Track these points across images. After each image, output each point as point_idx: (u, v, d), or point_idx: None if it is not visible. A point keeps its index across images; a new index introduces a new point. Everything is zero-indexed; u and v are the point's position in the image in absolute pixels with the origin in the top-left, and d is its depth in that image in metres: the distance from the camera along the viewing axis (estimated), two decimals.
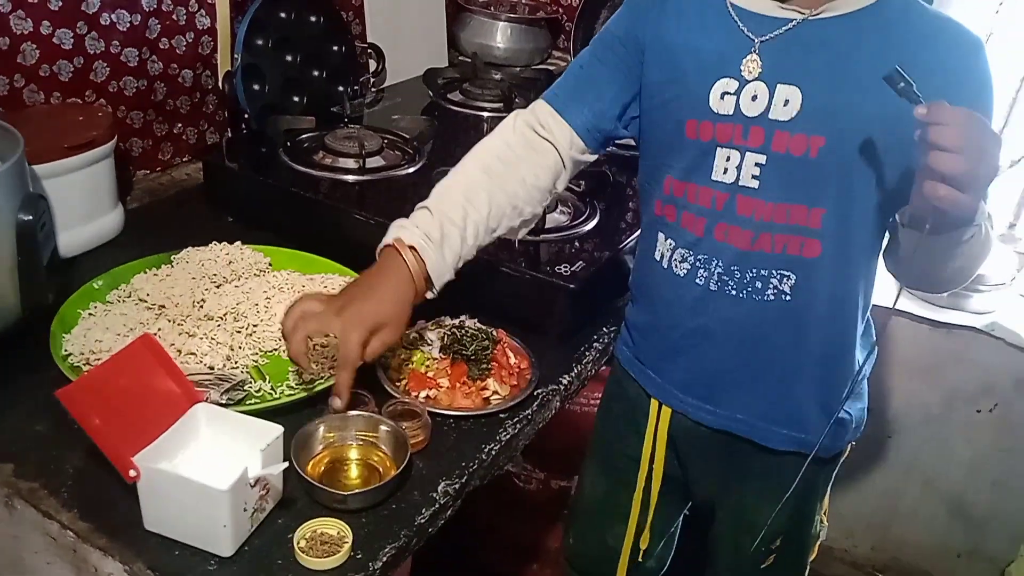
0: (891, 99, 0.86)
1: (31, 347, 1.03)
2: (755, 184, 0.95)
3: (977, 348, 1.81)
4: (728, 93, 0.94)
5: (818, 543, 1.20)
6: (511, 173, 1.04)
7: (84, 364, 1.02)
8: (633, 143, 1.10)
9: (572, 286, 1.17)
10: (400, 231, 0.99)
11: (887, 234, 1.00)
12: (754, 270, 0.98)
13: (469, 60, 2.01)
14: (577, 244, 1.28)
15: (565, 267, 1.20)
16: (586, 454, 1.30)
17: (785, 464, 1.07)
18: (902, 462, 1.97)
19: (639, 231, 1.14)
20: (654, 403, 1.12)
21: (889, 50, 0.89)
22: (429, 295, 0.99)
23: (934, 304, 1.83)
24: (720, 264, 0.99)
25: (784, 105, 0.92)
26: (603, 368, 1.51)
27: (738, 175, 0.95)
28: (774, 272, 0.97)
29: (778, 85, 0.92)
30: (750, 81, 0.93)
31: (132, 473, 0.81)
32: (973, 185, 0.78)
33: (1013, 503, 1.88)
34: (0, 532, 0.92)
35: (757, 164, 0.94)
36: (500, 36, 2.13)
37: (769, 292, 0.98)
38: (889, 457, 1.96)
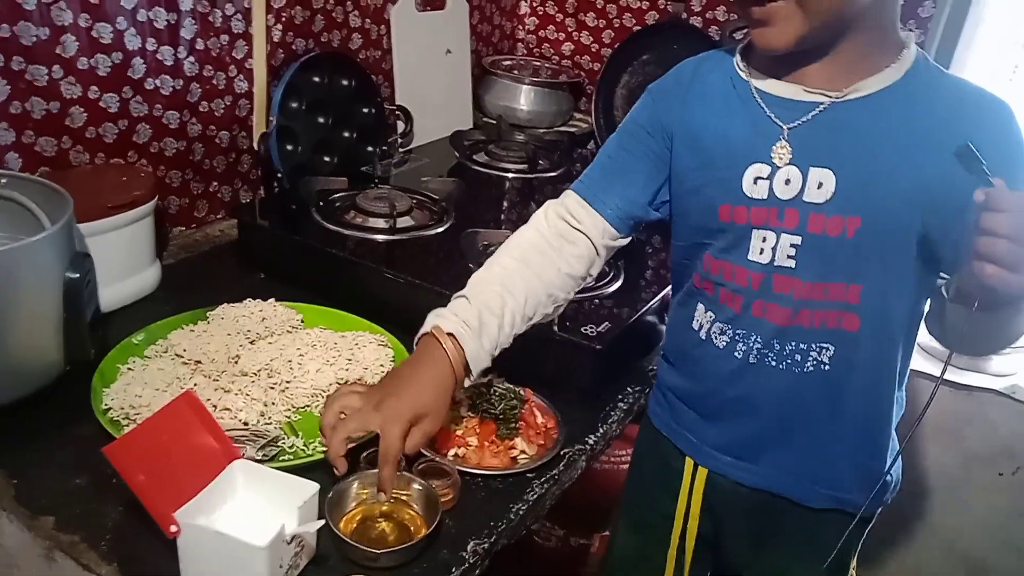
0: (926, 174, 0.89)
1: (72, 401, 1.06)
2: (791, 264, 0.95)
3: (998, 410, 1.81)
4: (761, 178, 0.95)
5: None
6: (546, 263, 1.06)
7: (123, 418, 1.04)
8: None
9: (598, 347, 1.20)
10: (438, 319, 1.00)
11: (928, 301, 1.00)
12: (793, 343, 0.98)
13: (494, 122, 2.07)
14: (602, 304, 1.31)
15: (591, 328, 1.23)
16: (618, 513, 1.31)
17: (821, 523, 1.08)
18: (924, 525, 1.96)
19: (665, 293, 1.16)
20: (689, 462, 1.12)
21: (917, 126, 0.90)
22: (467, 383, 1.01)
23: (955, 366, 1.83)
24: (759, 339, 0.99)
25: (818, 188, 0.92)
26: (627, 426, 1.53)
27: (774, 256, 0.96)
28: (813, 345, 0.98)
29: (811, 168, 0.92)
30: (781, 167, 0.94)
31: (173, 528, 0.83)
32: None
33: None
34: None
35: (793, 245, 0.95)
36: (524, 99, 2.19)
37: (809, 364, 0.99)
38: (911, 521, 1.95)
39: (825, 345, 0.97)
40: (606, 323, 1.24)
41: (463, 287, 1.04)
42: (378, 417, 0.92)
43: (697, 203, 1.01)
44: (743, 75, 0.98)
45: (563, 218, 1.08)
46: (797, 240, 0.94)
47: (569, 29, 2.36)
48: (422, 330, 1.01)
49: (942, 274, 0.97)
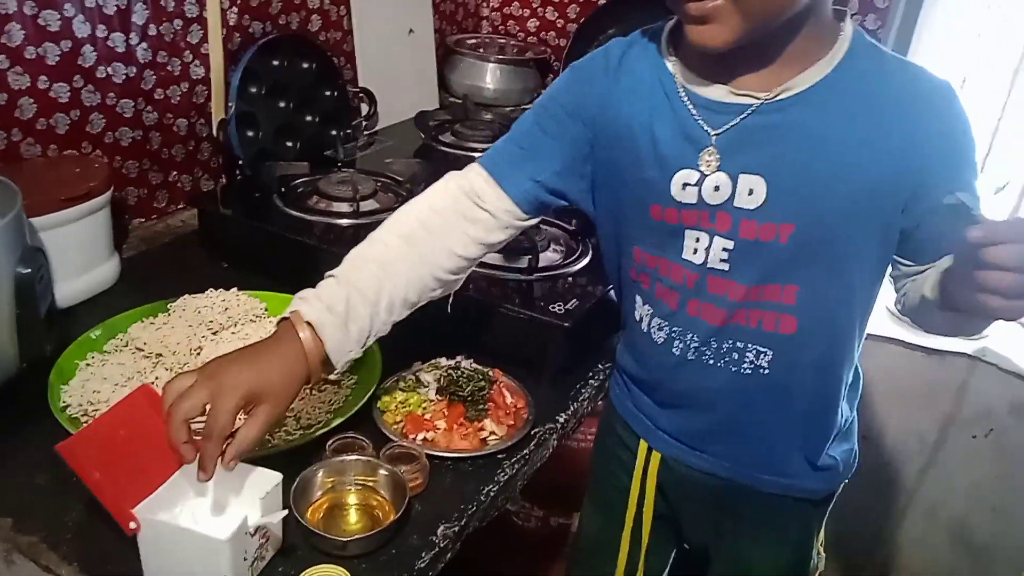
0: (868, 174, 0.85)
1: (29, 399, 1.03)
2: (725, 266, 0.92)
3: (970, 374, 1.82)
4: (689, 184, 0.90)
5: (817, 574, 1.20)
6: (437, 243, 0.98)
7: (82, 415, 1.02)
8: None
9: (566, 324, 1.18)
10: (301, 303, 0.91)
11: (897, 286, 0.97)
12: (730, 342, 0.95)
13: (460, 101, 2.04)
14: (570, 282, 1.30)
15: (559, 305, 1.21)
16: (586, 490, 1.30)
17: (778, 508, 1.07)
18: (902, 491, 1.97)
19: (611, 282, 1.12)
20: (643, 444, 1.11)
21: (856, 122, 0.85)
22: (331, 376, 0.92)
23: (925, 330, 1.84)
24: (696, 337, 0.96)
25: (749, 194, 0.88)
26: (599, 404, 1.52)
27: (707, 257, 0.92)
28: (750, 346, 0.95)
29: (740, 175, 0.88)
30: (709, 174, 0.89)
31: (132, 525, 0.81)
32: None
33: (1014, 528, 1.88)
34: None
35: (725, 249, 0.91)
36: (490, 77, 2.17)
37: (745, 366, 0.96)
38: (889, 486, 1.96)
39: (763, 349, 0.94)
40: (574, 300, 1.23)
41: None
42: (207, 389, 0.82)
43: (627, 199, 0.97)
44: (669, 66, 0.91)
45: (467, 194, 1.00)
46: (730, 244, 0.90)
47: (534, 5, 2.33)
48: (284, 313, 0.92)
49: (903, 263, 0.94)
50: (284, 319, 0.91)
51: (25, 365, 1.07)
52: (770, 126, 0.87)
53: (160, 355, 1.14)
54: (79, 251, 1.28)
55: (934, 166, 0.86)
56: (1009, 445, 1.83)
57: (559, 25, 2.31)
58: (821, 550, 1.18)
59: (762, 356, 0.95)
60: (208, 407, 0.82)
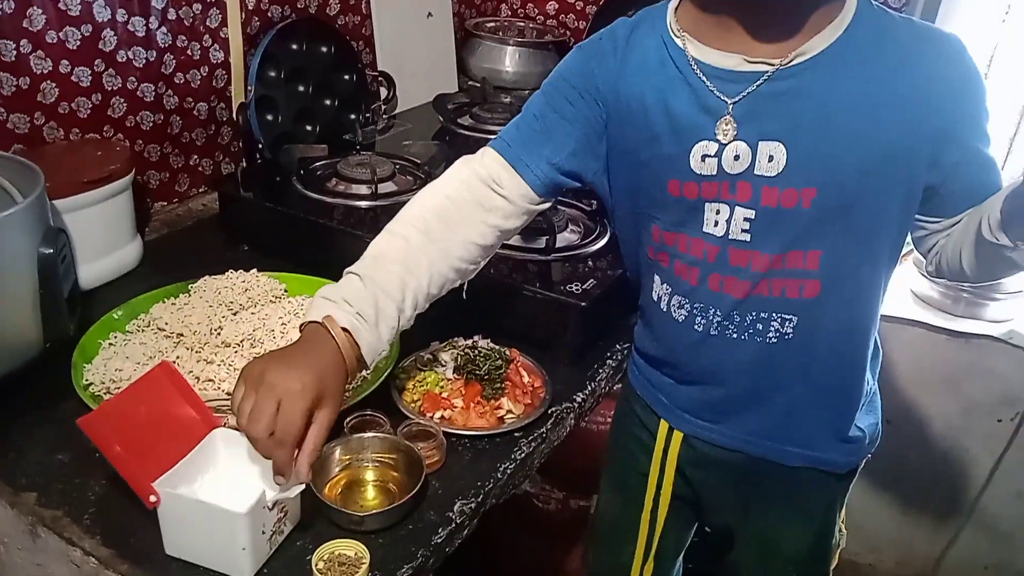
0: (886, 133, 0.86)
1: (53, 378, 1.05)
2: (747, 237, 0.91)
3: (996, 357, 1.79)
4: (708, 155, 0.90)
5: (839, 551, 1.20)
6: (455, 235, 0.97)
7: (105, 393, 1.04)
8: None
9: (583, 304, 1.18)
10: (331, 308, 0.90)
11: (926, 247, 0.99)
12: (753, 313, 0.95)
13: (479, 85, 2.04)
14: (588, 263, 1.30)
15: (576, 285, 1.21)
16: (602, 472, 1.30)
17: (803, 483, 1.07)
18: (925, 474, 1.95)
19: (625, 264, 1.12)
20: (663, 424, 1.11)
21: (870, 81, 0.86)
22: (361, 374, 0.93)
23: (951, 313, 1.82)
24: (718, 312, 0.96)
25: (769, 161, 0.88)
26: (617, 386, 1.52)
27: (728, 228, 0.92)
28: (774, 315, 0.95)
29: (759, 143, 0.88)
30: (728, 143, 0.89)
31: (152, 499, 0.82)
32: None
33: None
34: (24, 560, 0.93)
35: (747, 219, 0.91)
36: (509, 60, 2.16)
37: (771, 335, 0.96)
38: (912, 470, 1.94)
39: (787, 316, 0.94)
40: (592, 280, 1.23)
41: None
42: (273, 398, 0.81)
43: (644, 177, 0.96)
44: (678, 42, 0.91)
45: (483, 180, 0.99)
46: (751, 214, 0.90)
47: None
48: (310, 315, 0.90)
49: (929, 221, 0.95)
50: (314, 323, 0.90)
51: (49, 344, 1.09)
52: (786, 92, 0.87)
53: (181, 335, 1.15)
54: (102, 233, 1.30)
55: (952, 116, 0.88)
56: None
57: (578, 8, 2.29)
58: (843, 527, 1.18)
59: (787, 323, 0.95)
60: (279, 414, 0.81)
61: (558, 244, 1.31)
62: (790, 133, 0.87)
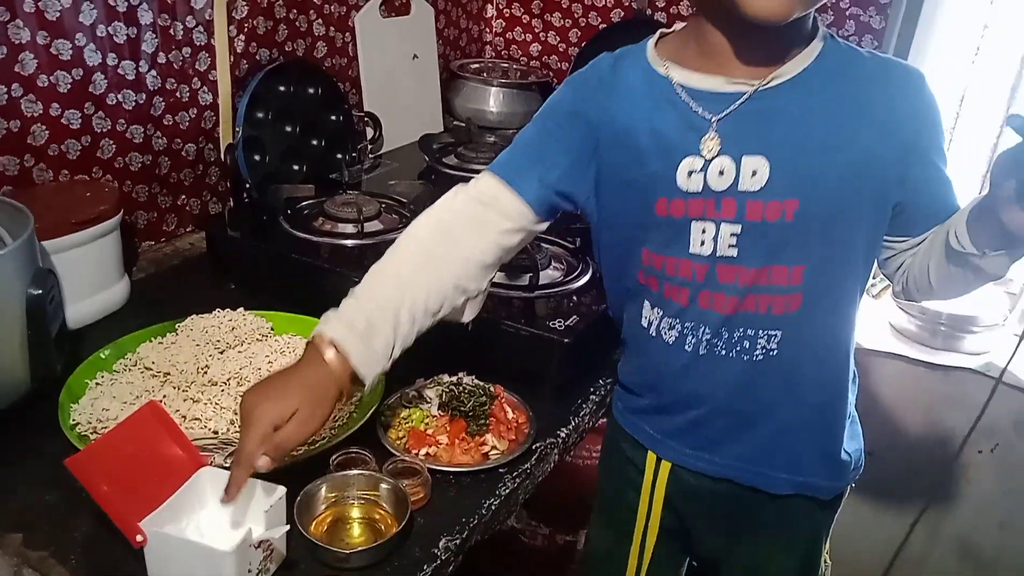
0: (859, 143, 0.92)
1: (40, 418, 1.06)
2: (733, 252, 0.95)
3: (974, 389, 1.82)
4: (694, 171, 0.93)
5: None
6: (452, 251, 0.99)
7: (92, 433, 1.04)
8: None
9: (567, 340, 1.20)
10: (321, 326, 0.94)
11: (893, 268, 1.04)
12: (741, 330, 0.98)
13: (463, 125, 2.07)
14: (572, 299, 1.32)
15: (560, 322, 1.23)
16: (593, 507, 1.31)
17: (790, 511, 1.08)
18: (907, 506, 1.97)
19: (608, 297, 1.14)
20: (651, 457, 1.12)
21: (842, 99, 0.92)
22: (360, 391, 0.96)
23: (929, 346, 1.85)
24: (707, 330, 0.99)
25: (752, 176, 0.92)
26: (601, 421, 1.53)
27: (715, 246, 0.95)
28: (760, 332, 0.97)
29: (743, 157, 0.92)
30: (712, 159, 0.93)
31: (139, 538, 0.83)
32: None
33: (1021, 543, 1.87)
34: None
35: (733, 234, 0.94)
36: (493, 101, 2.20)
37: (758, 352, 0.98)
38: (894, 502, 1.96)
39: (773, 332, 0.97)
40: (575, 317, 1.25)
41: None
42: (243, 416, 0.89)
43: (631, 198, 0.99)
44: (661, 71, 0.95)
45: (479, 201, 1.01)
46: (737, 229, 0.94)
47: (536, 30, 2.37)
48: (310, 337, 0.94)
49: (895, 241, 1.00)
50: (310, 342, 0.94)
51: (36, 384, 1.09)
52: (765, 110, 0.92)
53: (168, 374, 1.16)
54: (89, 273, 1.31)
55: (917, 133, 0.95)
56: (1015, 460, 1.83)
57: (561, 49, 2.34)
58: (828, 558, 1.19)
59: (772, 339, 0.98)
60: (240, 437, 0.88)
61: (541, 281, 1.33)
62: (771, 147, 0.92)
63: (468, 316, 1.06)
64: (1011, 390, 1.78)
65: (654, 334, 1.03)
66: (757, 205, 0.92)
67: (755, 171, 0.92)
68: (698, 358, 1.00)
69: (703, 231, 0.95)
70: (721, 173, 0.93)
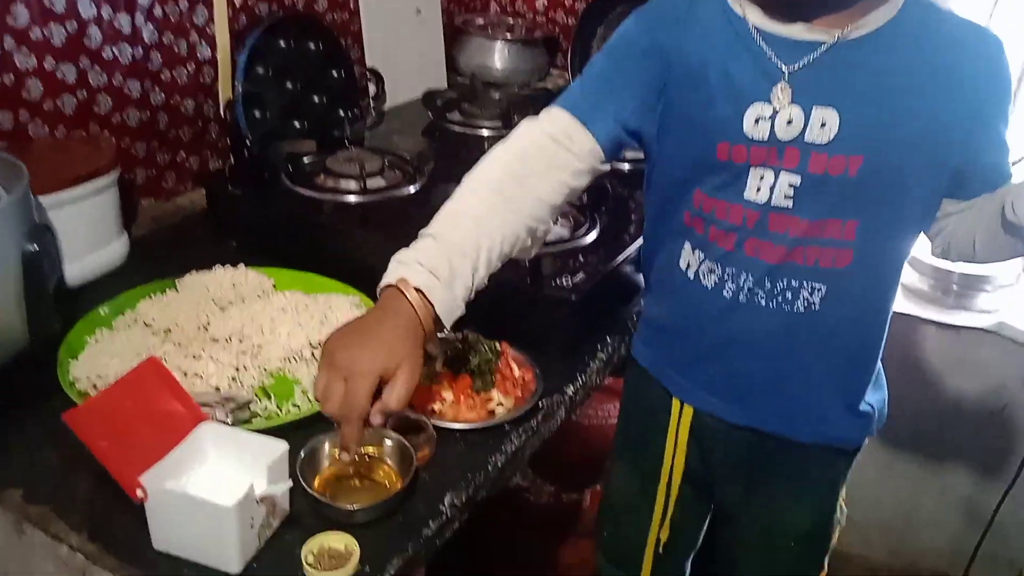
0: (926, 109, 0.90)
1: (39, 375, 1.04)
2: (788, 203, 0.94)
3: (985, 349, 1.80)
4: (762, 119, 0.92)
5: (839, 529, 1.20)
6: (527, 193, 0.97)
7: (91, 389, 1.03)
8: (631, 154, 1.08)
9: (574, 297, 1.18)
10: (404, 269, 0.90)
11: (935, 228, 1.01)
12: (785, 280, 0.97)
13: (468, 81, 2.03)
14: (579, 256, 1.29)
15: (567, 279, 1.21)
16: (612, 453, 1.31)
17: (811, 459, 1.09)
18: (916, 467, 1.96)
19: (646, 237, 1.13)
20: (675, 402, 1.12)
21: (919, 61, 0.90)
22: (441, 335, 0.93)
23: (940, 306, 1.83)
24: (750, 277, 0.98)
25: (821, 127, 0.90)
26: (608, 380, 1.52)
27: (771, 195, 0.94)
28: (805, 283, 0.97)
29: (814, 108, 0.90)
30: (781, 109, 0.91)
31: (139, 493, 0.81)
32: None
33: None
34: (11, 556, 0.92)
35: (791, 185, 0.93)
36: (498, 56, 2.15)
37: (799, 304, 0.98)
38: (903, 462, 1.95)
39: (817, 285, 0.96)
40: (581, 274, 1.22)
41: None
42: (340, 380, 0.83)
43: (694, 139, 0.98)
44: (738, 11, 0.94)
45: (553, 137, 0.98)
46: (796, 180, 0.93)
47: None
48: (385, 279, 0.91)
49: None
50: (389, 287, 0.90)
51: (34, 341, 1.07)
52: (843, 63, 0.90)
53: (168, 330, 1.14)
54: (88, 230, 1.29)
55: (987, 99, 0.93)
56: (1023, 420, 1.82)
57: (567, 3, 2.29)
58: (844, 505, 1.19)
59: (816, 292, 0.97)
60: (346, 393, 0.83)
61: (548, 238, 1.30)
62: (844, 101, 0.90)
63: (532, 254, 1.04)
64: (1021, 348, 1.76)
65: (692, 277, 1.02)
66: (821, 158, 0.91)
67: (824, 123, 0.90)
68: (736, 305, 1.00)
69: (761, 178, 0.94)
70: (789, 122, 0.91)
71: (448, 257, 0.90)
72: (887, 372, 1.10)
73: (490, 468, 1.00)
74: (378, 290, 0.91)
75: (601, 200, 1.44)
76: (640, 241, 1.31)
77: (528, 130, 1.01)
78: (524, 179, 0.97)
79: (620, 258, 1.29)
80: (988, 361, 1.81)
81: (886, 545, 2.07)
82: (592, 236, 1.34)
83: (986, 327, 1.79)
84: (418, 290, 0.88)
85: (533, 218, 0.98)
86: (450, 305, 0.90)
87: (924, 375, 1.89)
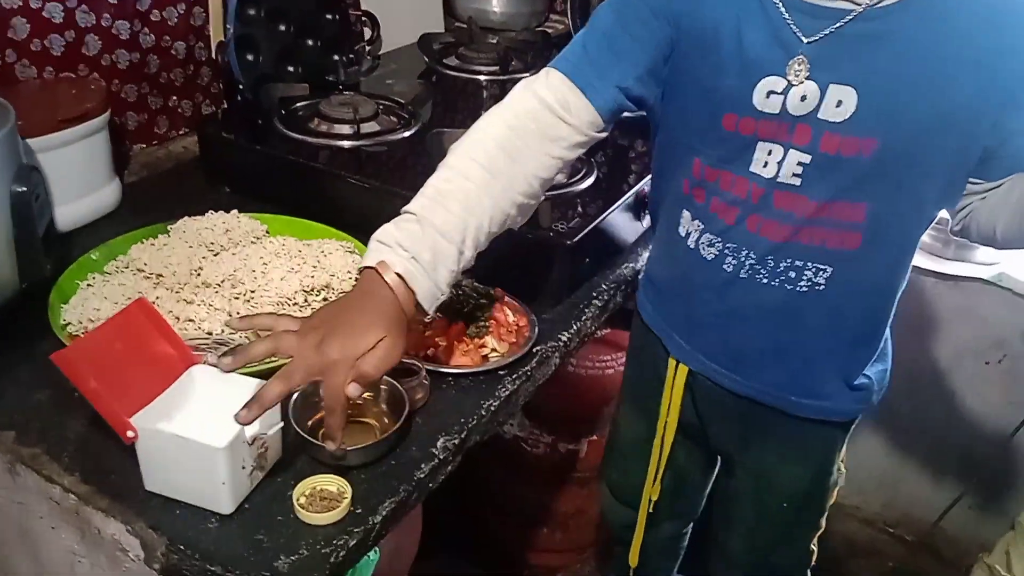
0: (952, 89, 0.83)
1: (30, 318, 1.03)
2: (796, 181, 0.89)
3: (985, 300, 1.80)
4: (775, 92, 0.87)
5: (836, 489, 1.21)
6: (518, 169, 0.91)
7: (83, 333, 1.02)
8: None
9: (569, 242, 1.16)
10: (385, 252, 0.86)
11: (961, 208, 0.96)
12: (789, 260, 0.94)
13: (465, 26, 1.99)
14: (575, 202, 1.27)
15: (562, 224, 1.20)
16: (619, 396, 1.32)
17: (807, 429, 1.07)
18: (912, 418, 1.96)
19: (639, 188, 1.11)
20: (671, 361, 1.12)
21: (951, 36, 0.84)
22: (427, 317, 0.90)
23: (940, 256, 1.82)
24: (752, 255, 0.94)
25: (837, 106, 0.85)
26: (607, 331, 1.52)
27: (778, 171, 0.89)
28: (810, 264, 0.93)
29: (830, 85, 0.85)
30: (797, 84, 0.86)
31: (130, 434, 0.81)
32: None
33: (1022, 455, 1.87)
34: (5, 499, 0.93)
35: (800, 163, 0.88)
36: (496, 0, 2.11)
37: (803, 284, 0.94)
38: (899, 413, 1.95)
39: (823, 267, 0.93)
40: (577, 219, 1.21)
41: None
42: (319, 362, 0.81)
43: (700, 107, 0.93)
44: None
45: (549, 107, 0.92)
46: (806, 158, 0.88)
47: None
48: (365, 259, 0.87)
49: (972, 182, 0.92)
50: (369, 269, 0.86)
51: (25, 285, 1.07)
52: (868, 34, 0.84)
53: (161, 275, 1.13)
54: (78, 174, 1.27)
55: (1019, 84, 0.85)
56: (1021, 371, 1.81)
57: None
58: (843, 466, 1.19)
59: (821, 273, 0.93)
60: (324, 387, 0.81)
61: None
62: (864, 79, 0.84)
63: (520, 223, 0.99)
64: (1020, 299, 1.75)
65: (692, 246, 1.00)
66: (834, 138, 0.86)
67: (840, 101, 0.85)
68: (736, 280, 0.97)
69: (769, 152, 0.90)
70: (803, 99, 0.86)
71: (431, 242, 0.87)
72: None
73: (483, 412, 0.99)
74: (358, 270, 0.88)
75: (599, 146, 1.41)
76: (638, 187, 1.30)
77: (523, 97, 0.94)
78: (516, 154, 0.91)
79: (616, 205, 1.28)
80: (987, 312, 1.80)
81: (880, 496, 2.09)
82: (588, 182, 1.32)
83: (986, 278, 1.78)
84: (399, 275, 0.85)
85: (523, 194, 0.93)
86: (432, 291, 0.87)
87: (923, 325, 1.88)
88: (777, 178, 0.90)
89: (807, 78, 0.86)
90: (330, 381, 0.80)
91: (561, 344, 1.13)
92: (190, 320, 1.05)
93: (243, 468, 0.82)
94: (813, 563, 1.25)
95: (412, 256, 0.85)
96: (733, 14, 0.88)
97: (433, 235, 0.87)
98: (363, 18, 1.85)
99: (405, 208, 0.90)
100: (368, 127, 1.43)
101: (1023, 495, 1.88)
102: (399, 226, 0.88)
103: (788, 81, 0.87)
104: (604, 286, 1.25)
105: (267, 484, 0.87)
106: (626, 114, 0.98)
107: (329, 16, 1.74)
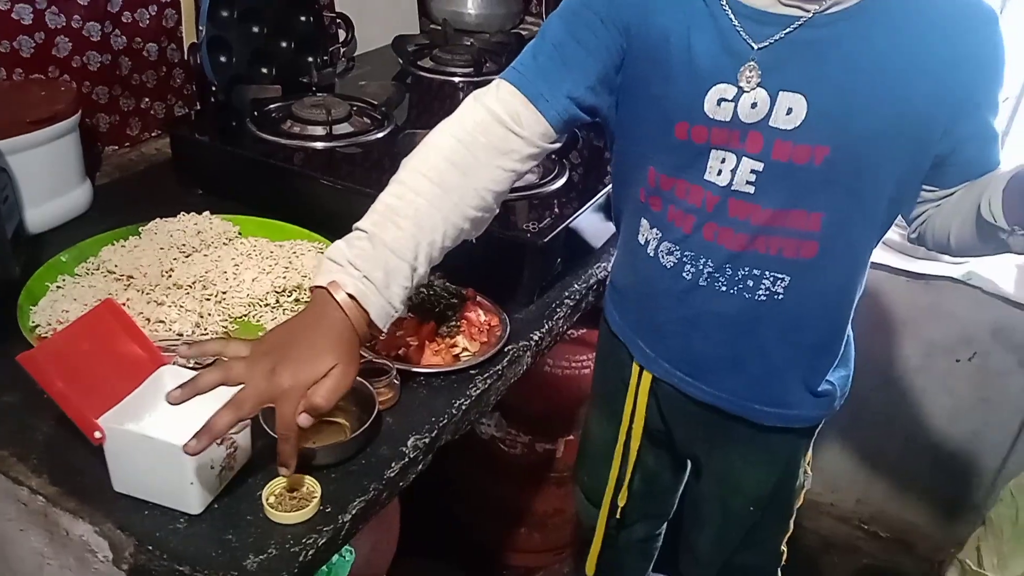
0: (903, 96, 0.84)
1: None
2: (750, 189, 0.89)
3: (954, 298, 1.82)
4: (725, 100, 0.87)
5: (803, 491, 1.22)
6: (470, 183, 0.90)
7: (51, 334, 1.01)
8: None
9: (541, 242, 1.17)
10: (336, 272, 0.84)
11: (914, 214, 0.97)
12: (746, 269, 0.94)
13: (440, 27, 1.99)
14: (547, 202, 1.28)
15: (534, 224, 1.20)
16: (589, 400, 1.33)
17: (770, 435, 1.08)
18: (884, 415, 1.98)
19: (612, 202, 1.11)
20: (636, 366, 1.12)
21: (901, 42, 0.83)
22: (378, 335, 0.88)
23: (911, 256, 1.84)
24: (710, 263, 0.95)
25: (787, 114, 0.85)
26: (582, 331, 1.52)
27: (732, 179, 0.89)
28: (767, 273, 0.94)
29: (781, 92, 0.85)
30: (748, 91, 0.86)
31: (97, 435, 0.81)
32: None
33: (993, 451, 1.90)
34: None
35: (753, 171, 0.88)
36: (471, 2, 2.11)
37: (761, 292, 0.95)
38: (871, 411, 1.97)
39: (780, 275, 0.93)
40: (548, 219, 1.22)
41: None
42: (270, 390, 0.79)
43: (652, 116, 0.93)
44: None
45: (499, 121, 0.91)
46: (759, 166, 0.88)
47: None
48: (316, 278, 0.85)
49: (926, 189, 0.94)
50: (319, 289, 0.85)
51: None
52: (817, 41, 0.84)
53: (131, 277, 1.13)
54: (48, 176, 1.26)
55: (975, 88, 0.86)
56: (991, 369, 1.84)
57: None
58: (808, 469, 1.20)
59: (779, 282, 0.94)
60: (276, 414, 0.80)
61: (518, 184, 1.29)
62: (814, 86, 0.84)
63: (476, 236, 0.98)
64: (990, 298, 1.78)
65: (651, 254, 1.00)
66: (786, 145, 0.86)
67: (790, 109, 0.85)
68: (696, 288, 0.97)
69: (722, 160, 0.90)
70: (754, 106, 0.86)
71: (383, 260, 0.85)
72: (856, 322, 1.09)
73: (454, 411, 1.00)
74: (310, 288, 0.87)
75: (571, 146, 1.43)
76: (610, 188, 1.31)
77: (473, 110, 0.93)
78: (467, 168, 0.90)
79: (588, 205, 1.29)
80: (957, 310, 1.82)
81: (854, 493, 2.11)
82: (560, 182, 1.33)
83: (955, 276, 1.80)
84: (351, 296, 0.84)
85: (476, 208, 0.92)
86: (385, 310, 0.86)
87: (894, 324, 1.90)
88: (731, 186, 0.90)
89: (758, 85, 0.86)
90: (282, 410, 0.79)
91: (533, 343, 1.14)
92: (160, 321, 1.05)
93: (211, 468, 0.82)
94: (783, 563, 1.26)
95: (364, 275, 0.84)
96: (683, 21, 0.88)
97: (385, 253, 0.85)
98: (337, 20, 1.86)
99: (356, 224, 0.89)
100: (340, 128, 1.43)
101: (994, 491, 1.90)
102: (350, 244, 0.87)
103: (739, 88, 0.87)
104: (576, 286, 1.26)
105: (237, 484, 0.87)
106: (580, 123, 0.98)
107: (303, 18, 1.74)
